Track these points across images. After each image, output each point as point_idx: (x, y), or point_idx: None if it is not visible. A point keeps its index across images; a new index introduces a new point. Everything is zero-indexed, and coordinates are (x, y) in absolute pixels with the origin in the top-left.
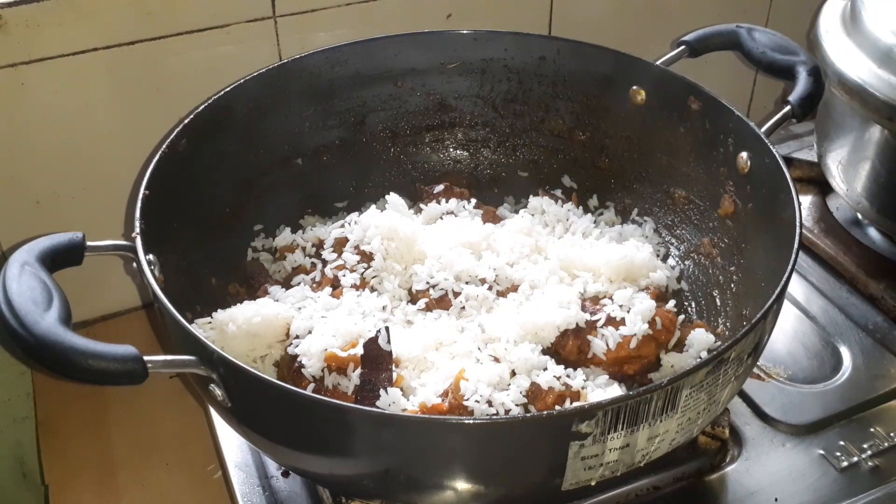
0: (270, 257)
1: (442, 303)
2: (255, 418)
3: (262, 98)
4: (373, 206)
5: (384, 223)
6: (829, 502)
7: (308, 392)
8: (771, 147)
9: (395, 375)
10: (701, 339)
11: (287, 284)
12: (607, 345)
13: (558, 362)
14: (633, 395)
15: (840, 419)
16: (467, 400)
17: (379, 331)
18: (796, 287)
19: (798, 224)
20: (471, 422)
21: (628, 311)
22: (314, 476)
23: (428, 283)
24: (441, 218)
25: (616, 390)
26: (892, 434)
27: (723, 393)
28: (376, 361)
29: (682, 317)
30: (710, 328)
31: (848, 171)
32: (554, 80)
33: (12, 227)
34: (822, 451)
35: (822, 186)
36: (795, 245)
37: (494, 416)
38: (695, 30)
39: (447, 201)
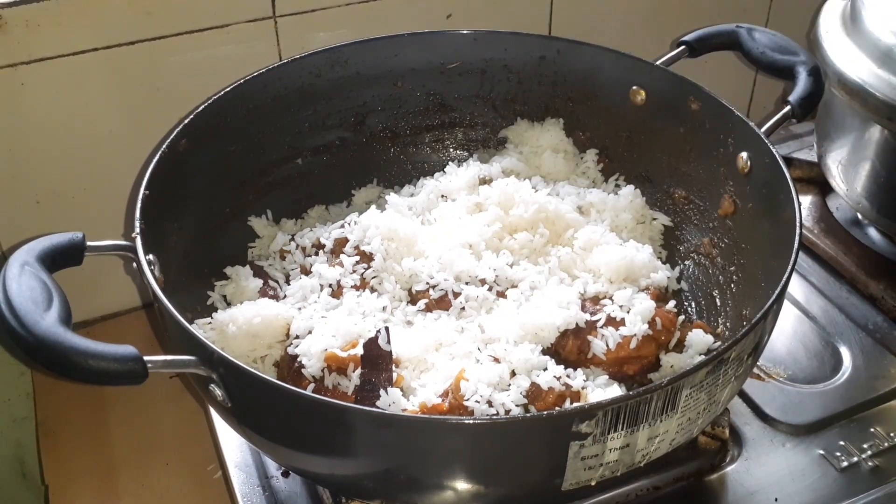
0: (270, 257)
1: (442, 303)
2: (255, 418)
3: (262, 98)
4: (373, 206)
5: (384, 223)
6: (829, 502)
7: (308, 392)
8: (771, 147)
9: (395, 376)
10: (700, 340)
11: (287, 285)
12: (607, 345)
13: (558, 362)
14: (633, 395)
15: (840, 419)
16: (467, 400)
17: (379, 331)
18: (796, 287)
19: (798, 224)
20: (471, 422)
21: (628, 312)
22: (314, 476)
23: (428, 283)
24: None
25: (616, 390)
26: (892, 434)
27: (723, 393)
28: (376, 361)
29: (681, 317)
30: (710, 328)
31: (848, 171)
32: (554, 80)
33: (12, 227)
34: (822, 451)
35: (822, 186)
36: (795, 245)
37: (494, 417)
38: (695, 30)
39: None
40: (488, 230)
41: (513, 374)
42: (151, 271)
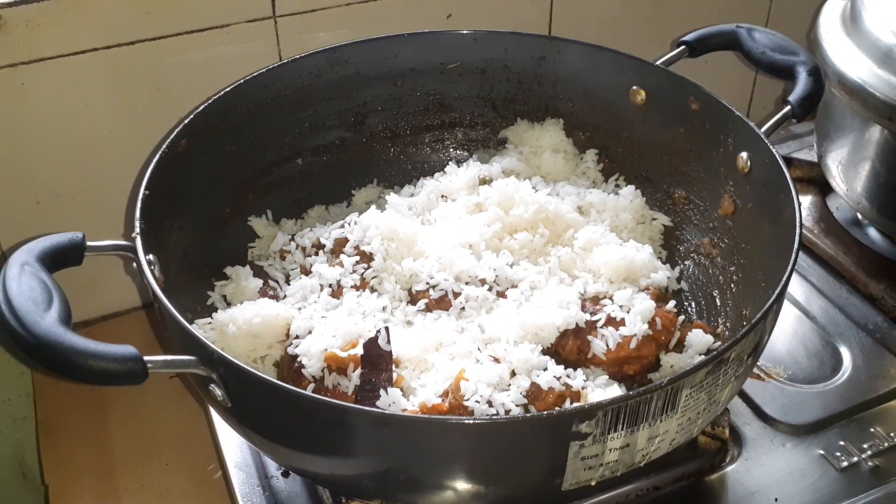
0: (270, 257)
1: (442, 303)
2: (255, 418)
3: (262, 98)
4: (373, 206)
5: (384, 223)
6: (829, 502)
7: (308, 392)
8: (771, 147)
9: (395, 376)
10: (700, 340)
11: (287, 285)
12: (607, 345)
13: (558, 362)
14: (633, 395)
15: (840, 419)
16: (467, 400)
17: (379, 331)
18: (796, 287)
19: (798, 224)
20: (471, 422)
21: (628, 312)
22: (314, 476)
23: (428, 283)
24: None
25: (616, 390)
26: (892, 434)
27: (723, 393)
28: (376, 361)
29: (681, 317)
30: (710, 328)
31: (848, 171)
32: (554, 80)
33: (12, 227)
34: (822, 451)
35: (822, 186)
36: (795, 245)
37: (494, 417)
38: (695, 30)
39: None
40: (488, 230)
41: (513, 374)
42: (151, 271)
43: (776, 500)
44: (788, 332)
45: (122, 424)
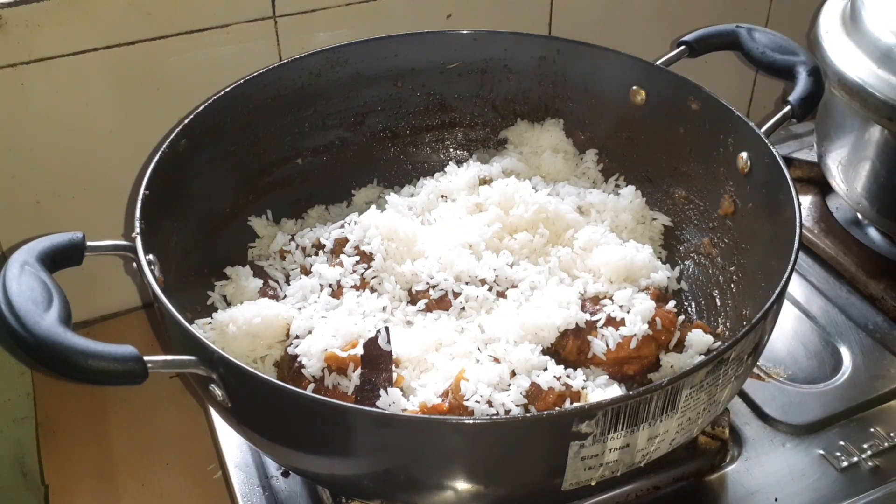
0: (270, 257)
1: (442, 303)
2: (255, 418)
3: (262, 98)
4: (373, 206)
5: (384, 223)
6: (829, 502)
7: (308, 392)
8: (771, 147)
9: (395, 376)
10: (700, 340)
11: (287, 285)
12: (607, 345)
13: (558, 362)
14: (633, 395)
15: (840, 419)
16: (467, 400)
17: (379, 331)
18: (796, 287)
19: (798, 224)
20: (471, 422)
21: (628, 312)
22: (314, 476)
23: (428, 283)
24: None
25: (616, 390)
26: (892, 434)
27: (723, 393)
28: (376, 361)
29: (681, 317)
30: (710, 328)
31: (848, 171)
32: (554, 80)
33: (12, 227)
34: (822, 451)
35: (822, 186)
36: (795, 245)
37: (494, 417)
38: (695, 30)
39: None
40: (488, 230)
41: (513, 374)
42: (151, 271)
43: (776, 500)
44: (788, 332)
45: (122, 424)
